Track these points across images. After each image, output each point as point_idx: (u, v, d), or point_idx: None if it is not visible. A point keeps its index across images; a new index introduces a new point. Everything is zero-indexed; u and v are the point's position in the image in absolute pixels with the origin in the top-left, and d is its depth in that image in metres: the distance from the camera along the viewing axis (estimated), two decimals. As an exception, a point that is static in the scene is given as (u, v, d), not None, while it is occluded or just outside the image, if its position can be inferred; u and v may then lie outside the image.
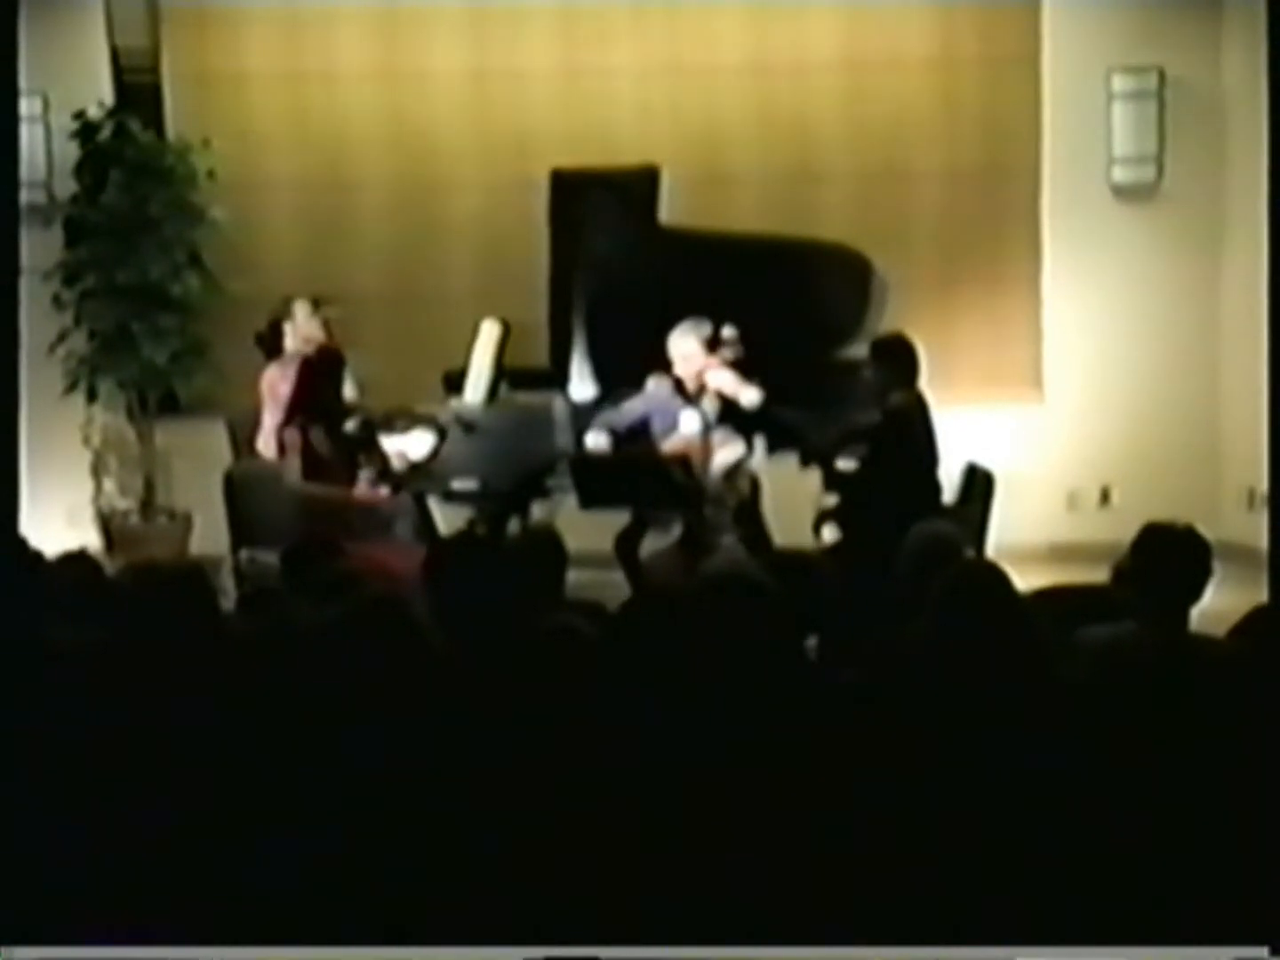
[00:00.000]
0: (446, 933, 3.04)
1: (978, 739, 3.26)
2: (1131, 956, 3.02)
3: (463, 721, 3.34)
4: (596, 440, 7.56)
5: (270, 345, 8.00)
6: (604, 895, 3.03)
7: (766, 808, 3.13)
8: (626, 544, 7.53)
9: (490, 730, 3.30)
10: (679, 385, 7.53)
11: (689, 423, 7.47)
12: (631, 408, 7.62)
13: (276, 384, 7.74)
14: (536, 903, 3.04)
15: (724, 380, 7.48)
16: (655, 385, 7.62)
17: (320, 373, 7.04)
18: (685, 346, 7.48)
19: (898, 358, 6.92)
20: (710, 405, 7.48)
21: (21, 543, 4.36)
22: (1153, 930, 3.03)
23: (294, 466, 6.84)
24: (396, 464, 7.33)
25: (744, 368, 7.49)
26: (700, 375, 7.47)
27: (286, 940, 3.05)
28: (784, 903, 3.05)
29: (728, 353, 7.50)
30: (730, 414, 7.49)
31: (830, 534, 6.87)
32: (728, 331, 7.51)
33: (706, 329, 7.50)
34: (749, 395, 7.48)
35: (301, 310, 7.99)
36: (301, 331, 7.95)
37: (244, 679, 3.53)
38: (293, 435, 6.88)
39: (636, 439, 7.60)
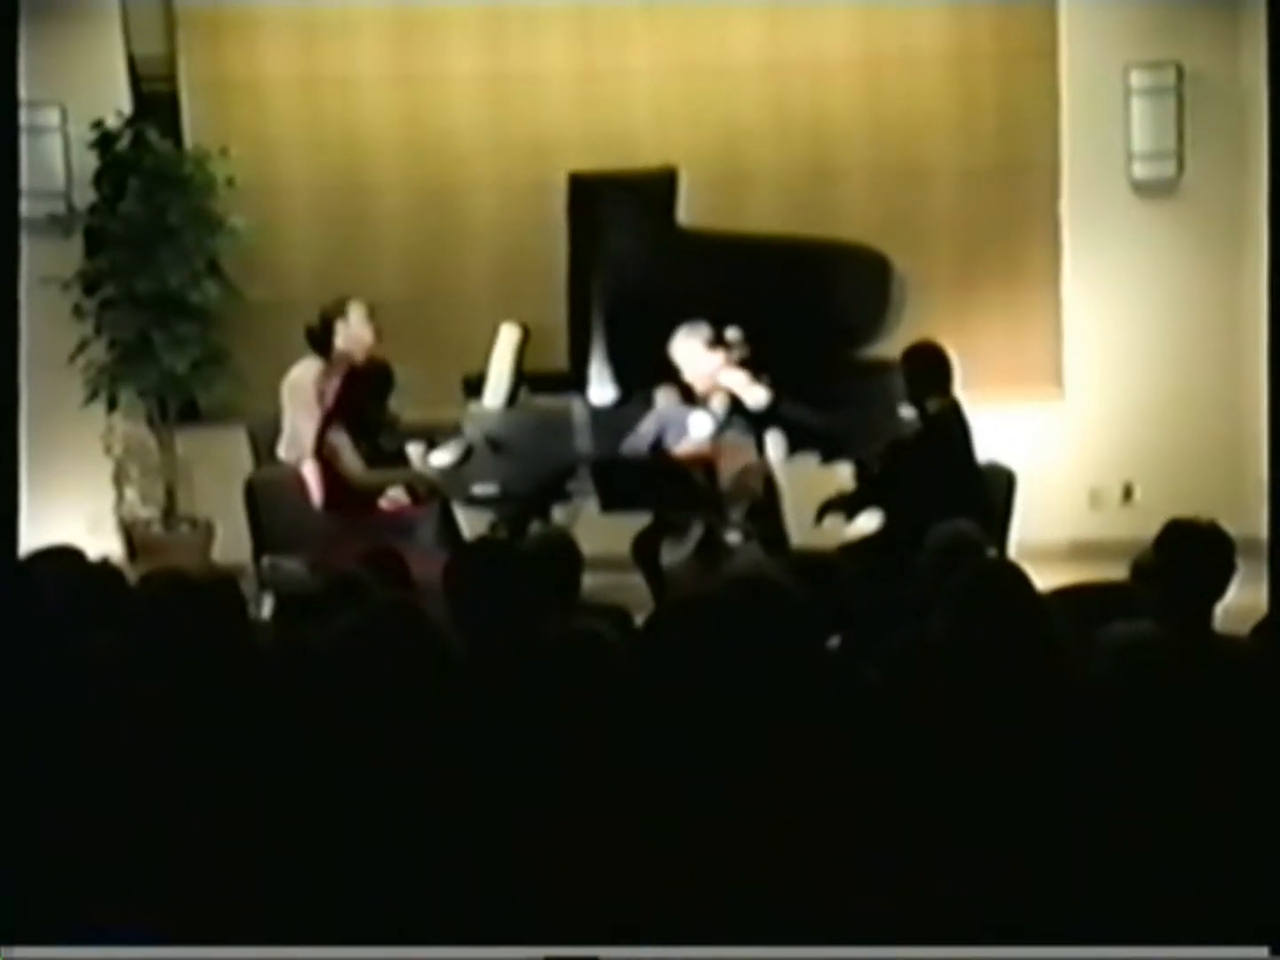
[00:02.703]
0: (447, 933, 3.04)
1: (998, 738, 3.26)
2: (1132, 956, 3.01)
3: (475, 724, 3.35)
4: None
5: (321, 343, 7.92)
6: (606, 896, 3.03)
7: (785, 807, 3.13)
8: (644, 546, 7.52)
9: (501, 732, 3.31)
10: (686, 391, 7.52)
11: (700, 424, 7.47)
12: (647, 429, 7.59)
13: (308, 387, 7.69)
14: (538, 903, 3.04)
15: (734, 380, 7.48)
16: (664, 398, 7.61)
17: (370, 386, 7.07)
18: (687, 350, 7.48)
19: (930, 365, 6.90)
20: (720, 405, 7.48)
21: (61, 548, 4.36)
22: (1153, 930, 3.01)
23: (353, 460, 6.92)
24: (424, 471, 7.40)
25: (752, 367, 7.49)
26: (710, 377, 7.48)
27: (287, 940, 3.05)
28: (794, 903, 3.05)
29: (734, 354, 7.51)
30: (740, 413, 7.49)
31: (831, 524, 6.88)
32: (732, 333, 7.52)
33: (704, 331, 7.50)
34: (755, 395, 7.47)
35: (356, 312, 7.95)
36: (353, 332, 7.92)
37: (256, 685, 3.54)
38: (341, 438, 6.92)
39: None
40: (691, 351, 7.48)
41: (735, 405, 7.49)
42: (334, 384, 7.48)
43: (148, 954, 3.08)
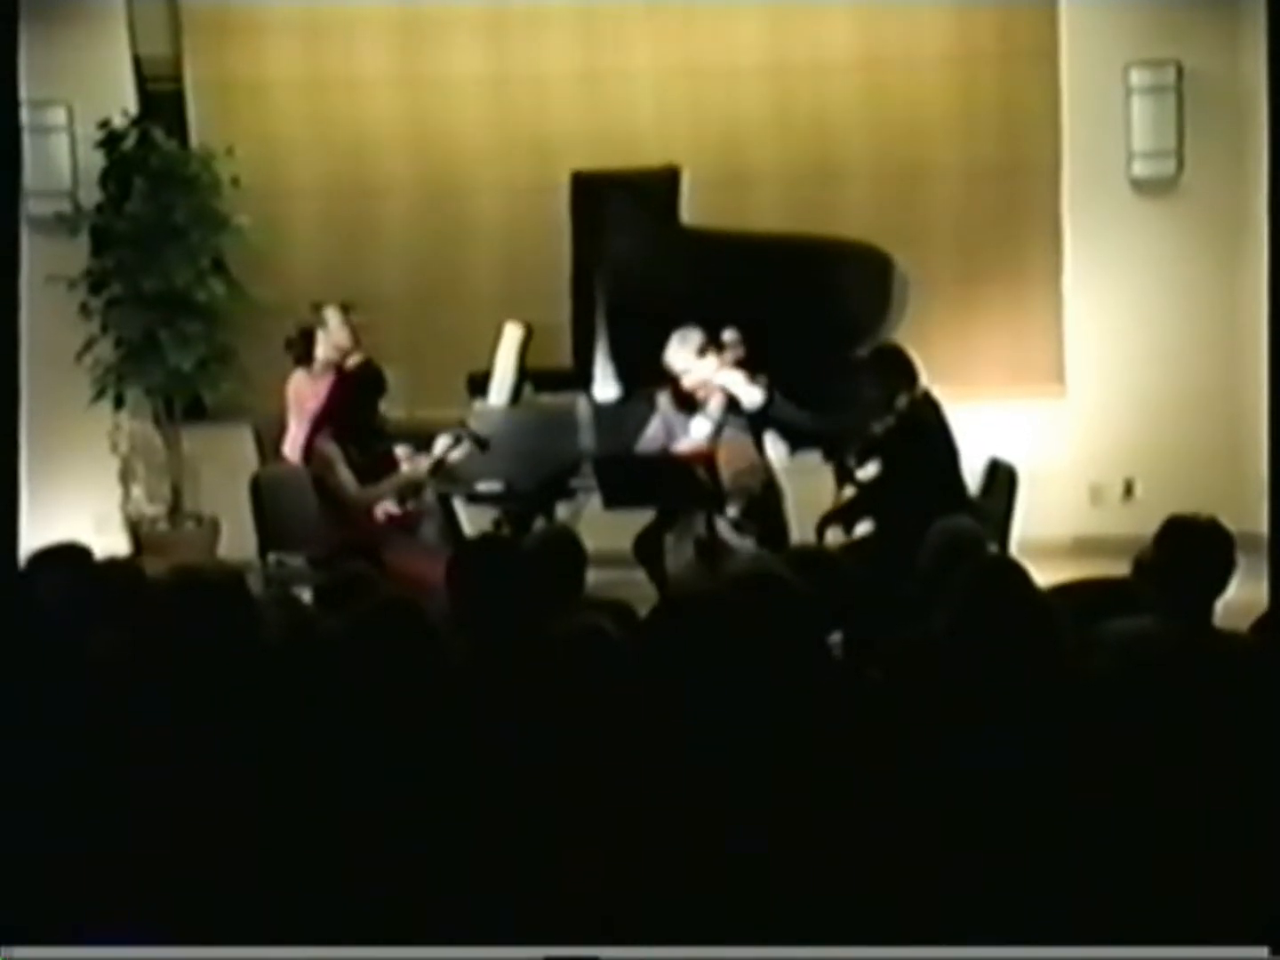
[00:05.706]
0: (447, 933, 3.06)
1: (1000, 735, 3.28)
2: (1132, 956, 3.03)
3: (478, 720, 3.37)
4: None
5: (301, 353, 8.00)
6: (606, 896, 3.05)
7: (787, 805, 3.15)
8: (646, 544, 7.53)
9: (504, 728, 3.33)
10: (684, 397, 7.51)
11: (699, 428, 7.47)
12: (654, 435, 7.59)
13: (304, 394, 7.76)
14: (538, 903, 3.06)
15: (730, 380, 7.47)
16: (665, 402, 7.61)
17: (362, 390, 6.98)
18: (681, 361, 7.47)
19: (892, 366, 6.97)
20: (717, 406, 7.47)
21: (67, 545, 4.37)
22: (1153, 930, 3.03)
23: (347, 477, 6.74)
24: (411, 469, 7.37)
25: (749, 366, 7.50)
26: (706, 381, 7.47)
27: (287, 940, 3.07)
28: (795, 901, 3.07)
29: (730, 355, 7.51)
30: (737, 412, 7.49)
31: (833, 536, 6.92)
32: (728, 334, 7.52)
33: (696, 338, 7.47)
34: (751, 395, 7.45)
35: (334, 318, 7.98)
36: (334, 339, 7.95)
37: (257, 683, 3.56)
38: (331, 447, 6.78)
39: None
40: (684, 359, 7.47)
41: (733, 405, 7.48)
42: (319, 390, 7.45)
43: (148, 954, 3.10)
